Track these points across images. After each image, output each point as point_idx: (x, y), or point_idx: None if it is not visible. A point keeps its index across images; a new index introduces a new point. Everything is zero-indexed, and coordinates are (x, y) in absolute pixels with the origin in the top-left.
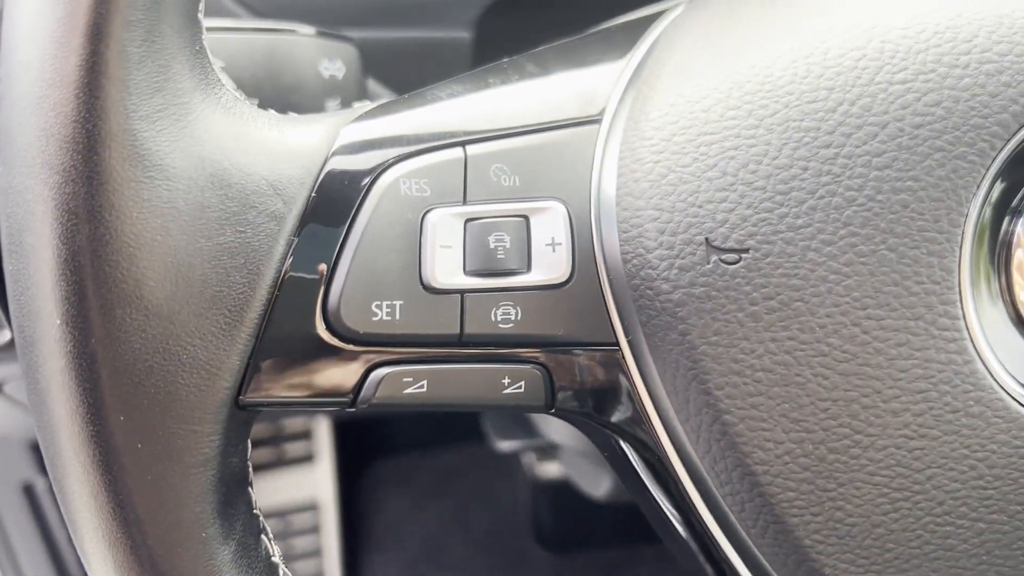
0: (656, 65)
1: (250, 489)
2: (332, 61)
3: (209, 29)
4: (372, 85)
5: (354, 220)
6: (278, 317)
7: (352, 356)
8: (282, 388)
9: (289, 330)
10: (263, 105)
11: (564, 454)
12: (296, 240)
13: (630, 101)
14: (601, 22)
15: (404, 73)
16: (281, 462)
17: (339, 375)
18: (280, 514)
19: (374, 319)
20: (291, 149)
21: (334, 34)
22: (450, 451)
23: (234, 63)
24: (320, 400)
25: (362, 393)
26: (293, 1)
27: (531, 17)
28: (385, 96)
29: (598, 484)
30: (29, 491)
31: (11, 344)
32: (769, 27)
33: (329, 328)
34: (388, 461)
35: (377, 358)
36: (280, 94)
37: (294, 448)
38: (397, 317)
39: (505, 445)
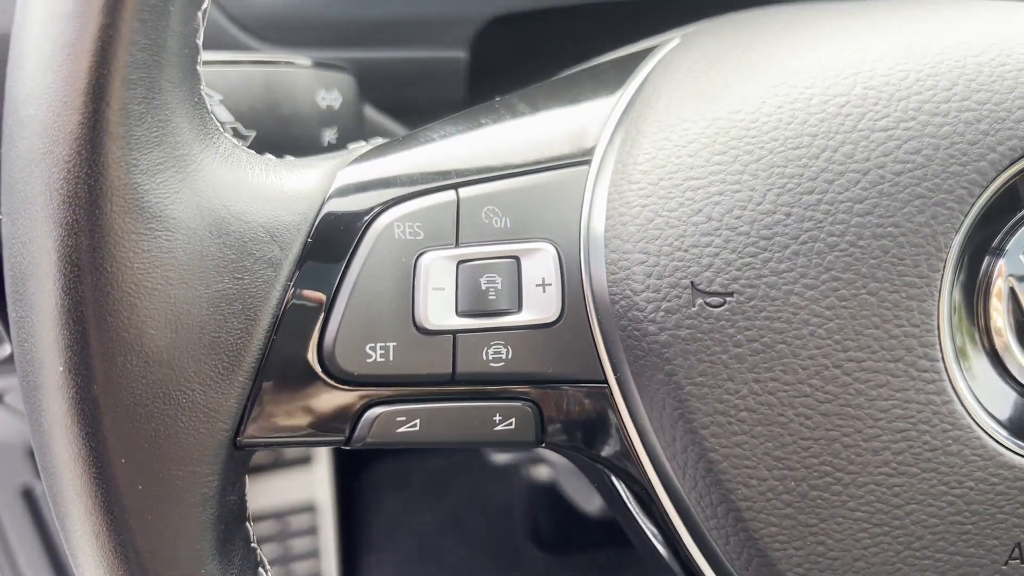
0: (644, 107)
1: (248, 524)
2: (329, 91)
3: (207, 63)
4: (368, 112)
5: (349, 264)
6: (274, 360)
7: (347, 397)
8: (279, 428)
9: (285, 372)
10: (262, 136)
11: (558, 470)
12: (292, 285)
13: (619, 142)
14: (594, 42)
15: (400, 93)
16: (279, 464)
17: (334, 415)
18: (278, 515)
19: (368, 360)
20: (287, 195)
21: (331, 64)
22: (445, 454)
23: (233, 96)
24: (315, 439)
25: (356, 432)
26: (291, 23)
27: (526, 36)
28: (382, 122)
29: (591, 499)
30: (28, 495)
31: (11, 358)
32: (754, 71)
33: (324, 370)
34: (384, 463)
35: (371, 398)
36: (278, 125)
37: (292, 450)
38: (391, 358)
39: (501, 457)
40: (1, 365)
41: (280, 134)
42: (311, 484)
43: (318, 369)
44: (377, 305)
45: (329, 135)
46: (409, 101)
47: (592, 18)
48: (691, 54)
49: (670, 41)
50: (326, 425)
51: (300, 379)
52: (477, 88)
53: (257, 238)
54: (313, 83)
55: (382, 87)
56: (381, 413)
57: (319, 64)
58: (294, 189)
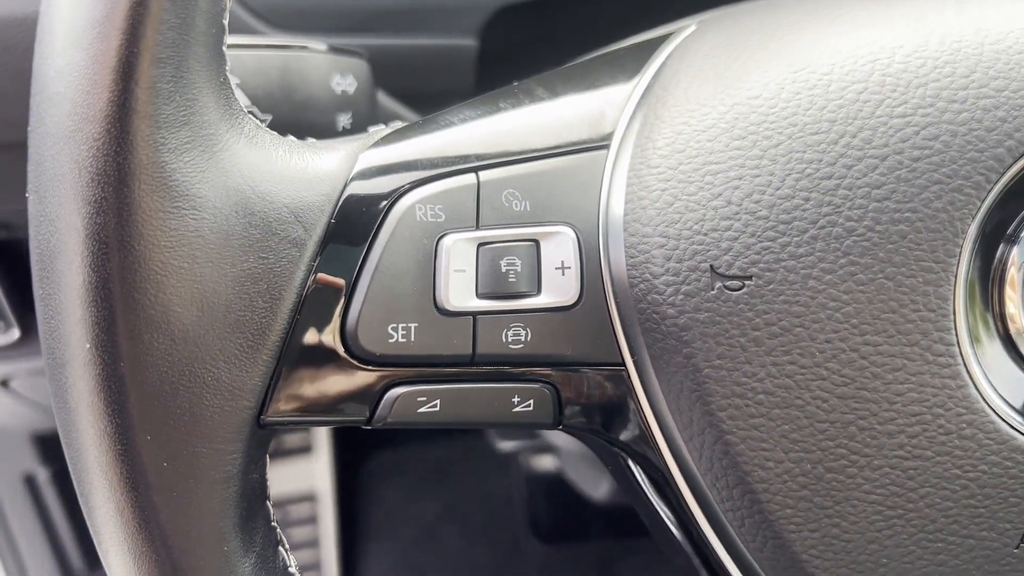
0: (663, 91)
1: (268, 503)
2: (344, 76)
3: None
4: (381, 97)
5: (372, 245)
6: (298, 339)
7: (369, 377)
8: (301, 407)
9: (309, 352)
10: (278, 120)
11: (563, 457)
12: (315, 265)
13: (637, 127)
14: (604, 30)
15: (409, 80)
16: (280, 453)
17: (356, 395)
18: (279, 504)
19: (390, 341)
20: (311, 176)
21: (345, 49)
22: (446, 443)
23: (249, 80)
24: (337, 419)
25: (378, 412)
26: (302, 10)
27: (536, 24)
28: (394, 108)
29: (597, 486)
30: (31, 481)
31: (18, 343)
32: (773, 57)
33: (347, 350)
34: (385, 453)
35: (393, 378)
36: (294, 110)
37: (292, 439)
38: (412, 339)
39: (505, 445)
40: (7, 350)
41: (295, 119)
42: (311, 473)
43: (340, 349)
44: (399, 286)
45: (344, 120)
46: (419, 88)
47: (601, 6)
48: (709, 40)
49: (687, 27)
50: (348, 405)
51: (323, 359)
52: (486, 76)
53: (282, 218)
54: (328, 68)
55: (392, 74)
56: (402, 393)
57: (334, 49)
58: (317, 170)
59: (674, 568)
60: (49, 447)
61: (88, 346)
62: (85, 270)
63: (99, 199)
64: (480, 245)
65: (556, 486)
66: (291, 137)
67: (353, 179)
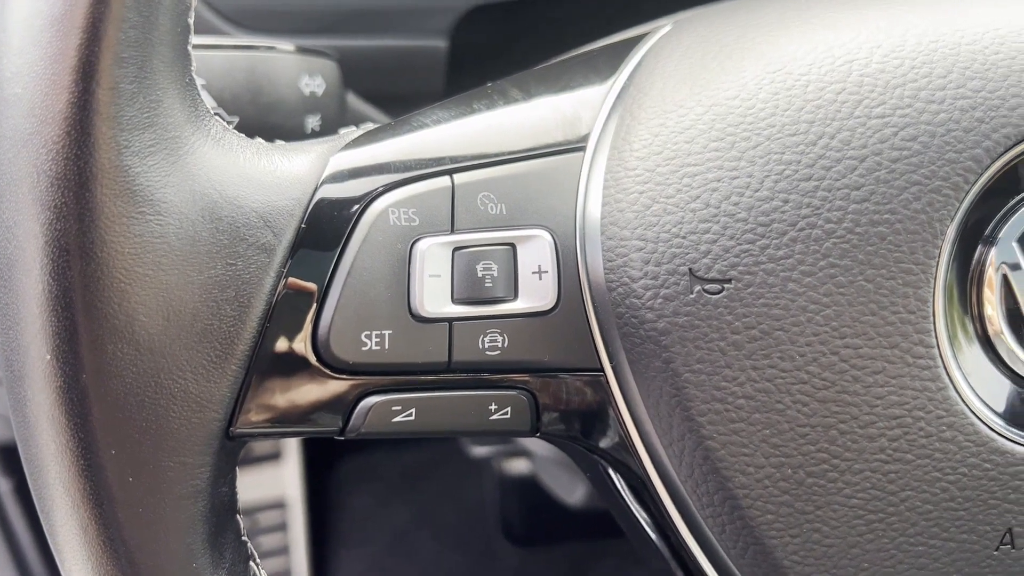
0: (638, 92)
1: (238, 516)
2: (312, 77)
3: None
4: (351, 99)
5: (343, 250)
6: (268, 348)
7: (341, 386)
8: (272, 418)
9: (279, 361)
10: (245, 123)
11: (536, 461)
12: (286, 271)
13: (613, 128)
14: (576, 31)
15: (379, 81)
16: (248, 459)
17: (328, 405)
18: (247, 512)
19: (363, 349)
20: (281, 179)
21: (314, 50)
22: (417, 448)
23: (215, 82)
24: (309, 430)
25: (351, 422)
26: (269, 11)
27: (506, 26)
28: (364, 110)
29: (572, 491)
30: None
31: None
32: (750, 56)
33: (319, 358)
34: (356, 458)
35: (366, 387)
36: (261, 112)
37: (261, 446)
38: (386, 346)
39: (478, 450)
40: None
41: (263, 121)
42: (280, 480)
43: (312, 358)
44: (372, 292)
45: (313, 122)
46: (389, 90)
47: (572, 7)
48: (685, 40)
49: (663, 27)
50: (320, 415)
51: (294, 368)
52: (457, 77)
53: (250, 223)
54: (296, 69)
55: (361, 76)
56: (376, 403)
57: (302, 50)
58: (287, 174)
59: (651, 572)
60: (10, 458)
61: (48, 357)
62: (45, 278)
63: (59, 204)
64: (455, 249)
65: (529, 490)
66: (259, 139)
67: (324, 182)
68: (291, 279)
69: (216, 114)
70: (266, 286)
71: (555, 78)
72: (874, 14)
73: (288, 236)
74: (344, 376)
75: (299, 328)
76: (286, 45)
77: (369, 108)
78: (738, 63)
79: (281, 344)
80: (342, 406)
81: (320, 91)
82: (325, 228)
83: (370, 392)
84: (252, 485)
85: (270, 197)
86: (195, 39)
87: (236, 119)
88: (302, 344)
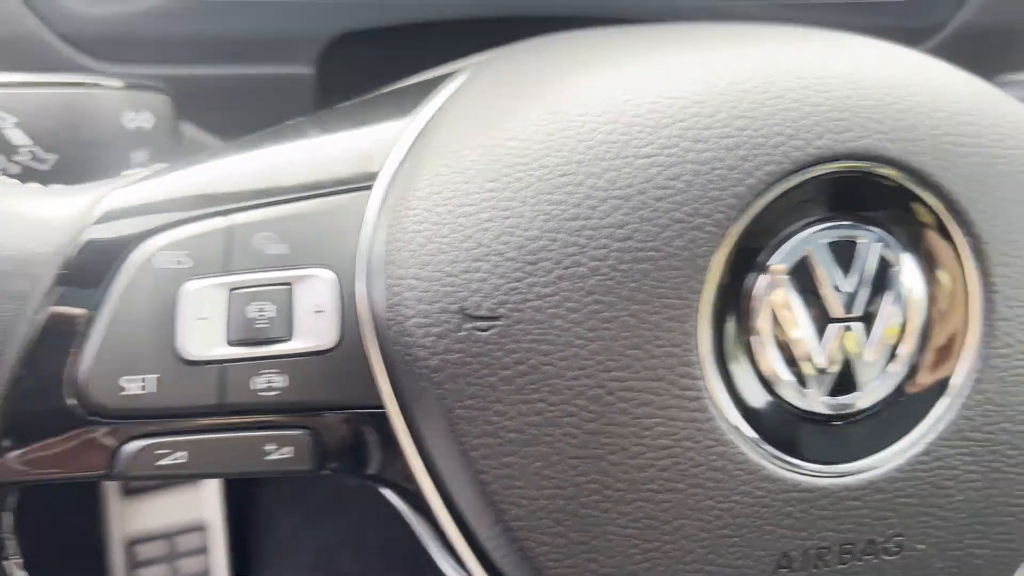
0: (432, 132)
1: (8, 561)
2: (139, 112)
3: (2, 84)
4: (191, 130)
5: (105, 295)
6: (24, 396)
7: (103, 430)
8: (32, 466)
9: (36, 409)
10: (66, 159)
11: None
12: (41, 318)
13: (404, 167)
14: (445, 59)
15: (246, 111)
16: (163, 484)
17: (90, 450)
18: (166, 536)
19: (123, 393)
20: (46, 223)
21: (143, 84)
22: None
23: (30, 119)
24: (72, 475)
25: (116, 466)
26: (129, 41)
27: (375, 52)
28: (205, 141)
29: None
30: None
31: None
32: (535, 97)
33: (81, 403)
34: (280, 480)
35: (131, 432)
36: (80, 149)
37: None
38: (154, 390)
39: None
40: None
41: (84, 157)
42: (199, 502)
43: (71, 403)
44: (135, 336)
45: (140, 157)
46: (256, 118)
47: (443, 35)
48: (487, 78)
49: (471, 65)
50: (83, 460)
51: (52, 415)
52: (326, 105)
53: (3, 271)
54: (120, 105)
55: (229, 104)
56: (142, 447)
57: (131, 85)
58: (53, 217)
59: None
60: None
61: None
62: None
63: None
64: (232, 290)
65: None
66: (34, 184)
67: (92, 224)
68: (48, 325)
69: (31, 151)
70: (19, 334)
71: (357, 115)
72: (657, 58)
73: (45, 283)
74: (106, 421)
75: (57, 375)
76: (113, 81)
77: (211, 139)
78: (525, 104)
79: (38, 392)
80: (105, 451)
81: (149, 125)
82: (86, 273)
83: (136, 436)
84: (170, 508)
85: (26, 243)
86: (10, 76)
87: (54, 156)
88: (60, 391)
